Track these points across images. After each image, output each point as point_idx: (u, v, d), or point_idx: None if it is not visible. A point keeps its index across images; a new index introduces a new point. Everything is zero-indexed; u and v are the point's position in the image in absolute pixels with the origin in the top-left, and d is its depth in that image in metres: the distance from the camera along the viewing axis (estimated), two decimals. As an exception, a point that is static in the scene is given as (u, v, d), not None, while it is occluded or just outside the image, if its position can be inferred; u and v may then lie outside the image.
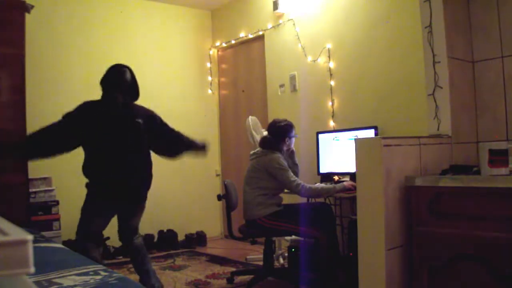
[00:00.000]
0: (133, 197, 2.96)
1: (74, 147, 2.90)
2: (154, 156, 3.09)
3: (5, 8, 3.23)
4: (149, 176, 3.02)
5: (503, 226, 1.87)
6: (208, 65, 5.47)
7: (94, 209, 2.88)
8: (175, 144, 3.10)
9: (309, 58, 4.26)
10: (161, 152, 3.11)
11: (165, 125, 3.07)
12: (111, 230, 3.09)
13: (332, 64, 4.07)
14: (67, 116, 2.83)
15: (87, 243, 2.86)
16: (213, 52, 5.51)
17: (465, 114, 2.67)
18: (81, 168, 2.90)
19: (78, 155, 2.96)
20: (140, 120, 2.90)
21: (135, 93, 2.98)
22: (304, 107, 4.33)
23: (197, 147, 3.15)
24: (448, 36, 2.54)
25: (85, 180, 2.93)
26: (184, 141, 3.11)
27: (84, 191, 2.94)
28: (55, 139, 2.81)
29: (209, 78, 5.47)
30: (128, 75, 2.92)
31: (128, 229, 3.03)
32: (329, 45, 4.09)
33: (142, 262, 3.03)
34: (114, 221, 3.04)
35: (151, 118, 3.00)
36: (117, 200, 2.89)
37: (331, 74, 4.07)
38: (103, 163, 2.85)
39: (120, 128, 2.85)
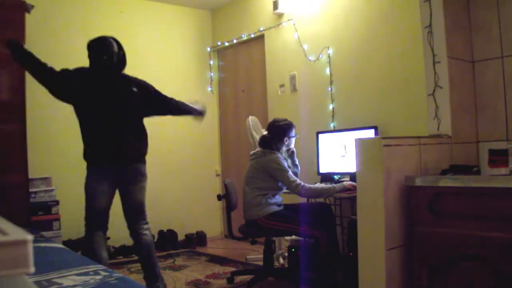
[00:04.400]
0: (131, 160, 2.93)
1: (64, 98, 2.92)
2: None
3: (5, 8, 3.23)
4: (145, 139, 3.03)
5: (503, 226, 1.87)
6: (208, 65, 5.47)
7: (95, 184, 2.87)
8: (173, 111, 3.17)
9: (309, 58, 4.26)
10: (158, 114, 3.18)
11: (160, 93, 3.11)
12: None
13: (332, 64, 4.07)
14: (64, 71, 2.87)
15: (95, 234, 2.85)
16: (213, 52, 5.51)
17: (465, 114, 2.67)
18: (81, 137, 2.92)
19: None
20: (135, 89, 2.94)
21: (124, 62, 3.01)
22: (304, 107, 4.33)
23: (195, 113, 3.22)
24: (448, 36, 2.54)
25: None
26: (182, 109, 3.16)
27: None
28: (51, 75, 2.83)
29: (209, 78, 5.47)
30: (115, 45, 2.95)
31: (134, 209, 2.95)
32: (329, 45, 4.09)
33: (151, 263, 2.98)
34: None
35: (145, 88, 3.04)
36: (113, 163, 2.88)
37: (331, 74, 4.07)
38: (100, 130, 2.86)
39: (115, 95, 2.89)
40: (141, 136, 3.02)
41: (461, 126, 2.61)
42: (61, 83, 2.85)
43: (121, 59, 2.98)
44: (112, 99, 2.88)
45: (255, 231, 3.29)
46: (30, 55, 2.79)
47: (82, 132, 2.92)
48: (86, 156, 2.93)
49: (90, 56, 2.95)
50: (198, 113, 3.22)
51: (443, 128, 2.53)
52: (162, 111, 3.16)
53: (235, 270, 3.80)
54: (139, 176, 2.95)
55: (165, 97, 3.11)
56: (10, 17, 3.25)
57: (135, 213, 2.96)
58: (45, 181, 3.76)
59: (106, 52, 2.90)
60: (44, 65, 2.81)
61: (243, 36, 5.03)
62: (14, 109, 3.26)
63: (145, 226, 3.00)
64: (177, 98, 3.18)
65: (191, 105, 3.21)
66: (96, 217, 2.88)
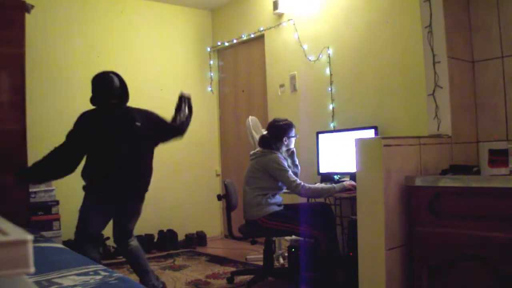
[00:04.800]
0: (131, 198, 2.96)
1: (80, 162, 2.90)
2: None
3: (5, 8, 3.23)
4: (148, 179, 3.03)
5: (503, 226, 1.87)
6: (208, 65, 5.47)
7: (92, 211, 2.88)
8: (176, 133, 3.13)
9: (309, 58, 4.26)
10: (166, 141, 3.14)
11: (163, 121, 3.08)
12: (111, 230, 3.08)
13: (332, 64, 4.07)
14: (70, 135, 2.85)
15: (85, 244, 2.86)
16: (213, 52, 5.51)
17: (465, 114, 2.67)
18: (81, 172, 2.90)
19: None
20: (138, 123, 2.91)
21: (126, 95, 2.98)
22: (304, 107, 4.33)
23: (190, 117, 3.16)
24: (448, 36, 2.54)
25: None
26: (185, 126, 3.12)
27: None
28: (64, 161, 2.83)
29: (209, 78, 5.47)
30: (116, 80, 2.92)
31: (123, 233, 3.04)
32: (329, 45, 4.09)
33: (140, 263, 3.04)
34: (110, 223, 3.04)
35: (149, 118, 3.01)
36: (116, 201, 2.89)
37: (331, 74, 4.07)
38: (104, 168, 2.85)
39: (120, 132, 2.86)
40: (146, 175, 3.00)
41: (461, 126, 2.61)
42: (74, 154, 2.84)
43: (123, 93, 2.95)
44: (117, 138, 2.85)
45: (255, 231, 3.29)
46: (37, 169, 2.83)
47: (86, 168, 2.89)
48: (87, 190, 2.92)
49: (92, 91, 2.92)
50: (191, 108, 3.17)
51: (443, 128, 2.53)
52: (168, 136, 3.13)
53: (235, 270, 3.80)
54: (136, 214, 3.04)
55: (168, 124, 3.08)
56: (10, 17, 3.25)
57: (123, 237, 3.06)
58: (45, 181, 3.75)
59: (106, 87, 2.88)
60: (53, 161, 2.81)
61: (243, 36, 5.03)
62: (14, 109, 3.25)
63: (130, 240, 3.06)
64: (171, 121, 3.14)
65: (184, 111, 3.14)
66: (87, 238, 2.90)
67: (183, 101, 3.15)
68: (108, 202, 2.88)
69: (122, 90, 2.94)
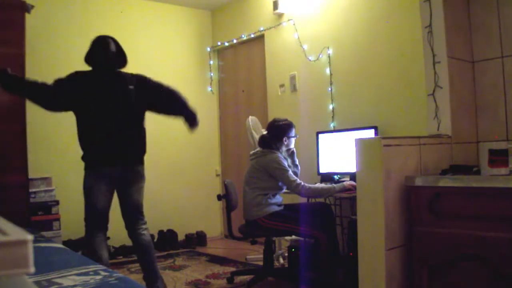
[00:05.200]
0: (129, 160, 2.93)
1: (60, 109, 2.91)
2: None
3: (5, 8, 3.23)
4: (143, 140, 3.01)
5: (503, 226, 1.87)
6: (208, 65, 5.47)
7: (94, 184, 2.86)
8: (170, 100, 3.05)
9: (309, 58, 4.26)
10: (157, 111, 3.08)
11: (158, 83, 3.04)
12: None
13: (332, 64, 4.07)
14: (58, 81, 2.83)
15: (96, 234, 2.85)
16: (213, 52, 5.51)
17: (465, 114, 2.67)
18: (78, 139, 2.91)
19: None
20: (131, 87, 2.92)
21: (123, 61, 2.99)
22: (304, 107, 4.33)
23: (188, 109, 3.04)
24: (448, 36, 2.54)
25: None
26: (178, 99, 3.04)
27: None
28: (45, 95, 2.81)
29: (209, 78, 5.47)
30: (112, 46, 2.93)
31: (132, 209, 2.96)
32: (329, 45, 4.09)
33: (150, 261, 2.98)
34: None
35: (143, 82, 3.00)
36: (114, 166, 2.87)
37: (331, 74, 4.07)
38: (97, 132, 2.85)
39: (112, 97, 2.87)
40: (140, 137, 3.00)
41: (461, 126, 2.61)
42: (56, 96, 2.82)
43: (119, 58, 2.96)
44: (109, 101, 2.86)
45: (255, 231, 3.29)
46: (19, 80, 2.77)
47: (79, 135, 2.90)
48: (84, 158, 2.92)
49: (88, 54, 2.94)
50: (191, 113, 3.03)
51: (443, 128, 2.53)
52: (160, 100, 3.04)
53: (235, 270, 3.80)
54: (138, 177, 2.97)
55: (161, 84, 3.03)
56: (10, 17, 3.25)
57: (133, 214, 2.97)
58: (45, 181, 3.75)
59: (101, 50, 2.89)
60: (37, 85, 2.77)
61: (243, 36, 5.03)
62: (14, 109, 3.25)
63: (143, 226, 3.00)
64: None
65: (186, 100, 3.07)
66: (96, 218, 2.88)
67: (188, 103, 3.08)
68: (106, 167, 2.86)
69: (118, 55, 2.94)
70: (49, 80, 4.25)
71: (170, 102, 3.06)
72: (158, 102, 3.04)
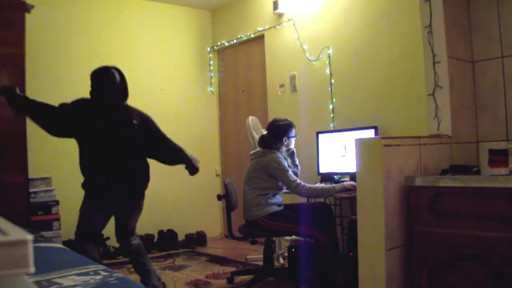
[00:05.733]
0: (130, 195, 2.95)
1: (62, 134, 2.90)
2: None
3: (5, 8, 3.23)
4: (146, 174, 3.01)
5: (503, 226, 1.87)
6: (208, 65, 5.47)
7: (92, 209, 2.88)
8: (168, 153, 3.05)
9: (309, 58, 4.26)
10: (153, 157, 3.07)
11: (160, 131, 3.04)
12: (111, 230, 3.08)
13: (332, 64, 4.07)
14: (63, 106, 2.83)
15: (86, 244, 2.86)
16: (213, 52, 5.51)
17: (465, 114, 2.67)
18: (79, 166, 2.91)
19: (78, 155, 2.96)
20: (135, 121, 2.91)
21: (126, 93, 2.97)
22: (304, 107, 4.33)
23: (186, 159, 3.01)
24: (448, 36, 2.54)
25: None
26: (178, 152, 3.02)
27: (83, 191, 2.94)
28: (50, 118, 2.80)
29: (209, 78, 5.47)
30: (117, 77, 2.90)
31: (125, 230, 3.03)
32: (329, 45, 4.09)
33: (141, 263, 3.04)
34: (112, 220, 3.04)
35: (146, 121, 2.99)
36: (115, 198, 2.89)
37: (331, 74, 4.07)
38: (99, 162, 2.85)
39: (115, 127, 2.86)
40: (142, 171, 2.99)
41: (461, 126, 2.61)
42: (60, 121, 2.82)
43: (123, 90, 2.94)
44: (112, 132, 2.84)
45: (255, 231, 3.29)
46: (26, 100, 2.78)
47: (80, 162, 2.89)
48: (84, 187, 2.92)
49: (92, 87, 2.90)
50: (191, 163, 3.00)
51: (443, 128, 2.53)
52: (159, 150, 3.03)
53: (235, 270, 3.80)
54: (137, 211, 3.03)
55: (164, 135, 3.04)
56: (10, 17, 3.25)
57: (125, 234, 3.05)
58: (45, 181, 3.76)
59: (107, 83, 2.85)
60: (42, 106, 2.78)
61: (243, 36, 5.03)
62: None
63: (132, 239, 3.05)
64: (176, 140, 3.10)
65: (187, 154, 3.03)
66: (88, 236, 2.89)
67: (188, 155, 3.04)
68: (105, 199, 2.87)
69: (122, 87, 2.93)
70: (49, 82, 4.28)
71: (167, 154, 3.05)
72: (155, 149, 3.03)
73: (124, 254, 4.39)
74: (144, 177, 3.00)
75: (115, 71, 2.90)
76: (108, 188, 2.85)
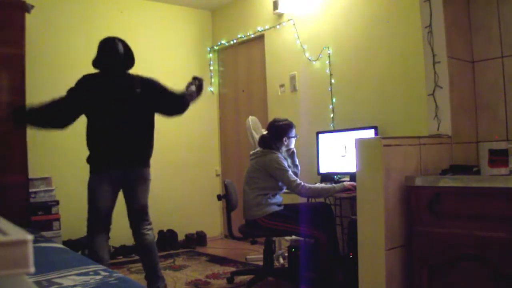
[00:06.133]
0: (133, 162, 2.94)
1: (72, 121, 2.91)
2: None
3: (5, 8, 3.23)
4: (150, 143, 3.02)
5: (503, 226, 1.87)
6: (208, 65, 5.47)
7: (98, 184, 2.87)
8: (177, 103, 3.08)
9: (309, 58, 4.26)
10: (167, 113, 3.11)
11: (164, 89, 3.05)
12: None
13: (332, 64, 4.07)
14: (70, 91, 2.87)
15: (97, 235, 2.85)
16: (213, 52, 5.51)
17: (465, 114, 2.67)
18: (85, 139, 2.93)
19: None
20: (138, 90, 2.92)
21: (130, 62, 2.99)
22: (304, 107, 4.33)
23: (196, 94, 3.09)
24: (448, 36, 2.54)
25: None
26: (185, 98, 3.05)
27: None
28: (60, 113, 2.84)
29: (209, 78, 5.47)
30: (120, 47, 2.93)
31: (137, 209, 2.98)
32: (329, 45, 4.09)
33: (154, 265, 3.01)
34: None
35: (150, 85, 3.01)
36: (118, 166, 2.88)
37: (331, 74, 4.07)
38: (102, 133, 2.87)
39: (118, 96, 2.88)
40: (146, 140, 3.01)
41: (461, 126, 2.61)
42: (70, 106, 2.85)
43: (127, 59, 2.96)
44: (115, 103, 2.87)
45: (255, 231, 3.29)
46: (34, 112, 2.81)
47: (87, 136, 2.92)
48: (90, 160, 2.93)
49: (96, 56, 2.95)
50: (200, 88, 3.10)
51: (443, 128, 2.53)
52: (170, 106, 3.08)
53: (235, 270, 3.80)
54: (143, 180, 2.99)
55: (168, 91, 3.05)
56: (10, 17, 3.25)
57: (137, 215, 3.00)
58: (45, 181, 3.76)
59: (109, 53, 2.90)
60: (53, 104, 2.81)
61: (243, 36, 5.03)
62: (14, 109, 3.25)
63: (148, 227, 3.03)
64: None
65: (192, 88, 3.08)
66: (99, 220, 2.89)
67: (194, 81, 3.12)
68: (110, 168, 2.87)
69: (126, 57, 2.95)
70: (49, 82, 4.28)
71: (176, 105, 3.08)
72: (164, 106, 3.06)
73: (125, 254, 4.40)
74: (147, 146, 3.01)
75: (119, 42, 2.94)
76: (111, 157, 2.86)
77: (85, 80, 2.90)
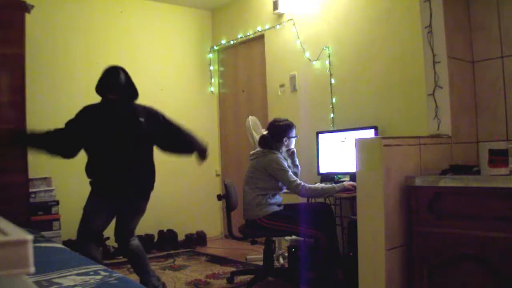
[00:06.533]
0: (136, 195, 2.95)
1: (77, 152, 2.90)
2: (155, 156, 3.08)
3: (5, 8, 3.23)
4: (152, 175, 3.02)
5: (503, 226, 1.87)
6: (208, 65, 5.47)
7: (96, 208, 2.88)
8: (178, 141, 3.08)
9: (309, 58, 4.26)
10: (164, 148, 3.09)
11: (168, 121, 3.05)
12: (111, 230, 3.08)
13: (332, 64, 4.07)
14: (69, 124, 2.84)
15: (87, 242, 2.86)
16: (213, 52, 5.51)
17: (465, 114, 2.67)
18: (84, 169, 2.90)
19: (78, 155, 2.96)
20: (141, 119, 2.90)
21: (133, 93, 2.97)
22: (304, 107, 4.33)
23: (197, 146, 3.08)
24: (448, 36, 2.54)
25: (86, 180, 2.93)
26: (187, 138, 3.06)
27: (84, 191, 2.93)
28: (59, 143, 2.83)
29: (209, 78, 5.47)
30: (122, 76, 2.91)
31: (125, 231, 3.03)
32: (329, 45, 4.09)
33: (141, 264, 3.04)
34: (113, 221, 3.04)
35: (153, 116, 3.00)
36: (121, 199, 2.89)
37: (331, 74, 4.07)
38: (106, 163, 2.85)
39: (121, 128, 2.86)
40: (149, 171, 2.99)
41: (461, 126, 2.61)
42: (71, 140, 2.84)
43: (129, 89, 2.95)
44: (117, 132, 2.84)
45: (255, 231, 3.29)
46: (34, 138, 2.82)
47: (89, 167, 2.90)
48: (92, 184, 2.92)
49: (97, 85, 2.92)
50: (201, 148, 3.08)
51: (443, 128, 2.53)
52: (169, 139, 3.06)
53: (235, 270, 3.80)
54: (138, 211, 3.02)
55: (173, 126, 3.05)
56: (10, 17, 3.25)
57: (125, 235, 3.05)
58: (45, 181, 3.76)
59: (112, 81, 2.88)
60: (51, 135, 2.80)
61: (243, 36, 5.03)
62: (14, 109, 3.26)
63: (131, 239, 3.06)
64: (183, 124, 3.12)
65: (195, 137, 3.10)
66: (90, 235, 2.90)
67: (201, 153, 3.09)
68: (110, 199, 2.88)
69: (127, 87, 2.93)
70: (49, 82, 4.28)
71: (178, 142, 3.08)
72: (165, 140, 3.05)
73: (123, 255, 4.40)
74: (150, 178, 3.01)
75: (120, 71, 2.93)
76: (114, 189, 2.85)
77: (86, 111, 2.87)
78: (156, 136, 2.99)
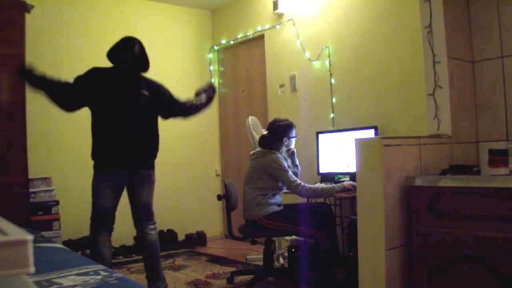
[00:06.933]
0: (137, 163, 2.93)
1: (78, 108, 2.92)
2: (156, 157, 3.08)
3: (5, 8, 3.23)
4: (155, 144, 3.02)
5: (503, 226, 1.87)
6: (208, 65, 5.47)
7: (101, 184, 2.87)
8: (185, 112, 3.13)
9: (309, 58, 4.26)
10: (168, 117, 3.13)
11: (174, 99, 3.07)
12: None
13: (332, 64, 4.07)
14: (78, 80, 2.87)
15: (99, 236, 2.85)
16: (213, 52, 5.51)
17: (465, 114, 2.67)
18: (91, 132, 2.92)
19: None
20: (146, 92, 2.92)
21: (144, 65, 3.00)
22: (304, 107, 4.33)
23: (210, 99, 3.17)
24: (448, 36, 2.54)
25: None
26: (197, 109, 3.12)
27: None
28: (64, 94, 2.84)
29: (209, 78, 5.47)
30: (137, 47, 2.95)
31: (141, 209, 2.98)
32: (329, 45, 4.09)
33: (156, 264, 3.01)
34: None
35: (159, 92, 3.01)
36: (122, 166, 2.88)
37: (331, 74, 4.07)
38: (110, 130, 2.86)
39: (123, 96, 2.88)
40: (152, 141, 3.00)
41: (461, 126, 2.61)
42: (76, 95, 2.86)
43: (140, 61, 2.97)
44: (122, 101, 2.86)
45: (255, 231, 3.29)
46: (44, 80, 2.81)
47: (92, 133, 2.91)
48: (94, 156, 2.92)
49: (110, 51, 2.95)
50: (211, 96, 3.17)
51: (443, 128, 2.53)
52: (177, 114, 3.12)
53: (235, 270, 3.80)
54: (148, 181, 2.99)
55: (179, 102, 3.07)
56: (10, 17, 3.25)
57: (142, 214, 3.01)
58: (45, 181, 3.76)
59: (125, 51, 2.91)
60: (60, 85, 2.82)
61: (243, 36, 5.03)
62: (14, 109, 3.25)
63: (151, 227, 3.05)
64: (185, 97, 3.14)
65: (202, 98, 3.13)
66: (102, 217, 2.88)
67: (206, 89, 3.15)
68: (115, 168, 2.87)
69: (140, 58, 2.96)
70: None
71: (178, 114, 3.13)
72: (166, 113, 3.08)
73: (125, 254, 4.40)
74: (153, 147, 3.01)
75: (137, 43, 2.97)
76: (117, 156, 2.85)
77: (94, 72, 2.89)
78: (161, 110, 3.03)
